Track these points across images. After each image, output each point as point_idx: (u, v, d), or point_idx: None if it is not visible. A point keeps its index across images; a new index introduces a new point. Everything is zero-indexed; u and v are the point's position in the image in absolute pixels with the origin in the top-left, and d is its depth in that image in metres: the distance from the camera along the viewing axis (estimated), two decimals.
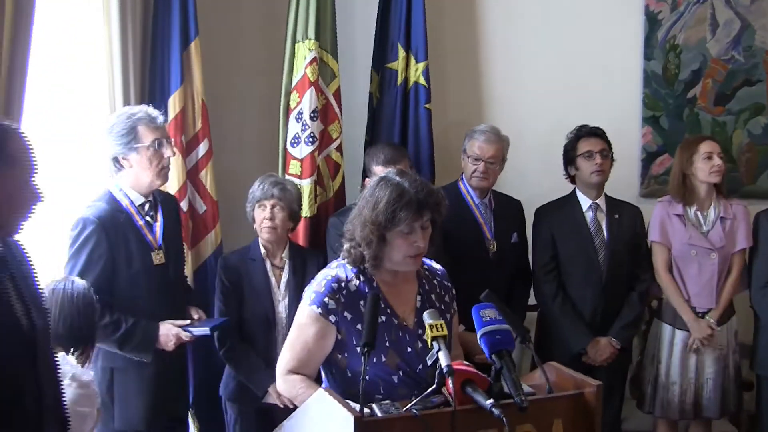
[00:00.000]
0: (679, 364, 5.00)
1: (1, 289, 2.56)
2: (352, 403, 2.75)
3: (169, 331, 4.14)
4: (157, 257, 4.20)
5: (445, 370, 2.75)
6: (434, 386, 2.82)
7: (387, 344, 3.12)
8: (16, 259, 2.68)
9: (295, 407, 3.15)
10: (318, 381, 3.23)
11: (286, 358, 3.24)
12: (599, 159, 4.95)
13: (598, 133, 5.02)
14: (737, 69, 5.85)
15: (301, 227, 5.09)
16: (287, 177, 5.11)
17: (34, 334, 2.63)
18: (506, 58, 5.78)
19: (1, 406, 2.50)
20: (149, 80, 4.96)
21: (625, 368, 5.20)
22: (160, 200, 4.33)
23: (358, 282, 3.20)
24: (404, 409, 2.80)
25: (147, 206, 4.22)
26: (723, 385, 5.01)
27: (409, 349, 3.17)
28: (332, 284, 3.17)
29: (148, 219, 4.23)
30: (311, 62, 5.15)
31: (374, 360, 3.04)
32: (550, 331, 5.09)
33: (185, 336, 4.15)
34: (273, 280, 4.58)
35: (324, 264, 3.46)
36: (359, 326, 3.12)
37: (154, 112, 4.19)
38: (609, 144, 5.03)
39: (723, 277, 5.01)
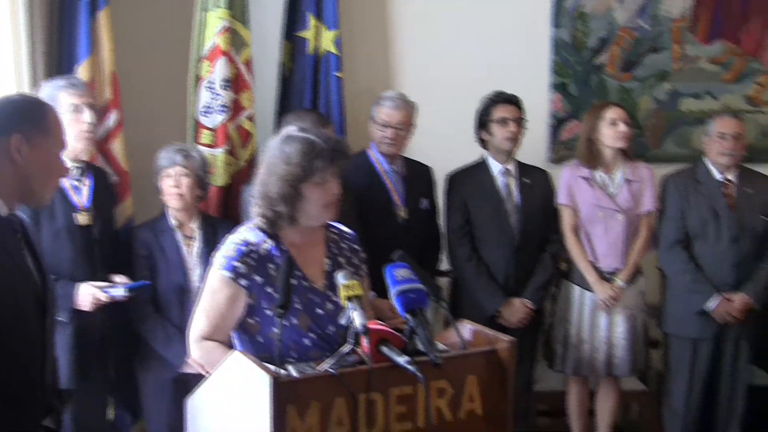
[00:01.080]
0: (588, 324, 5.11)
1: (16, 242, 2.77)
2: (267, 365, 2.77)
3: (87, 291, 4.13)
4: (82, 218, 4.24)
5: (360, 330, 2.78)
6: (350, 345, 2.85)
7: (298, 306, 3.13)
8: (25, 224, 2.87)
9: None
10: (232, 348, 3.22)
11: (198, 324, 3.23)
12: (513, 126, 5.01)
13: (513, 101, 5.08)
14: (644, 37, 5.95)
15: (214, 197, 5.07)
16: (199, 147, 5.07)
17: (45, 292, 2.82)
18: (417, 26, 5.78)
19: (16, 347, 2.66)
20: (57, 50, 4.87)
21: (538, 329, 5.28)
22: (94, 171, 4.44)
23: (267, 245, 3.20)
24: (320, 368, 2.82)
25: (75, 171, 4.29)
26: (632, 343, 5.12)
27: (319, 311, 3.19)
28: (242, 248, 3.17)
29: (75, 182, 4.29)
30: (223, 31, 5.10)
31: (286, 323, 3.05)
32: (464, 293, 5.14)
33: (103, 297, 4.13)
34: (185, 250, 4.55)
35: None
36: (269, 289, 3.13)
37: (77, 79, 4.29)
38: (523, 112, 5.09)
39: (630, 238, 5.11)
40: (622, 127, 5.03)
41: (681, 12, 5.96)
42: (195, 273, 4.51)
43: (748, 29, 6.03)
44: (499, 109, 5.04)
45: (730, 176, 5.17)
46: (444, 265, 5.30)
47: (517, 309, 5.03)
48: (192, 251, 4.55)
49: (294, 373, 2.82)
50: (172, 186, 4.51)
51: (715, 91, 6.05)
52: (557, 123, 5.93)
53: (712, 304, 5.03)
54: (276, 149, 3.18)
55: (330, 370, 2.77)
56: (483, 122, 5.09)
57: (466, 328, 3.17)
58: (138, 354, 4.60)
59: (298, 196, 3.13)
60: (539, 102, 5.79)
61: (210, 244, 4.47)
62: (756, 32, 6.04)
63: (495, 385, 3.04)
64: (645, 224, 5.16)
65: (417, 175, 5.12)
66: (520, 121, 5.05)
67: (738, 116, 5.31)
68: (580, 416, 5.34)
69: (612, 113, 5.06)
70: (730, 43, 6.03)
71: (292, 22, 5.46)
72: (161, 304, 4.51)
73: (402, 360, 2.75)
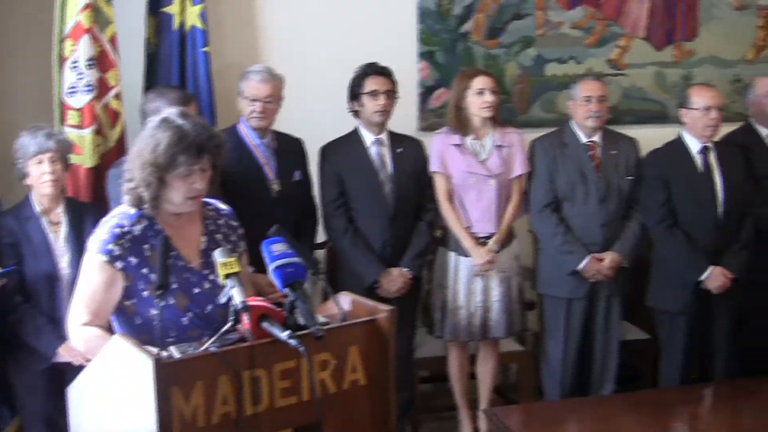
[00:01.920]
0: (465, 289, 5.18)
1: None
2: (149, 348, 2.74)
3: None
4: None
5: (240, 306, 2.78)
6: (230, 323, 2.84)
7: (174, 286, 3.10)
8: None
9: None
10: (112, 333, 3.18)
11: (76, 311, 3.16)
12: (383, 99, 5.03)
13: (385, 73, 5.08)
14: (508, 3, 6.02)
15: (84, 178, 4.97)
16: (66, 128, 4.96)
17: None
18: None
19: None
20: None
21: (417, 297, 5.33)
22: None
23: (141, 226, 3.16)
24: (202, 348, 2.81)
25: None
26: (508, 306, 5.22)
27: (197, 290, 3.17)
28: (116, 230, 3.12)
29: None
30: (85, 8, 4.96)
31: (163, 303, 3.02)
32: (342, 265, 5.16)
33: None
34: (51, 236, 4.42)
35: (104, 216, 3.38)
36: (145, 270, 3.10)
37: None
38: (395, 83, 5.11)
39: (503, 202, 5.19)
40: (488, 96, 5.09)
41: None
42: (63, 260, 4.40)
43: None
44: (370, 81, 5.05)
45: (595, 138, 5.29)
46: (321, 237, 5.30)
47: (396, 278, 5.06)
48: (59, 237, 4.44)
49: (176, 354, 2.80)
50: (48, 172, 4.37)
51: (579, 56, 6.18)
52: (426, 91, 5.97)
53: (583, 263, 5.17)
54: (148, 133, 3.14)
55: (212, 348, 2.76)
56: (355, 94, 5.09)
57: (345, 300, 3.20)
58: (7, 346, 4.47)
59: (162, 184, 3.10)
60: (407, 71, 5.79)
61: (77, 230, 4.39)
62: None
63: (376, 354, 3.08)
64: (516, 188, 5.25)
65: (288, 147, 5.09)
66: (390, 93, 5.07)
67: (601, 79, 5.44)
68: (462, 380, 5.42)
69: (478, 83, 5.11)
70: (591, 8, 6.15)
71: None
72: (30, 293, 4.39)
73: (284, 335, 2.76)
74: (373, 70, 5.07)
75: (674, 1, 6.30)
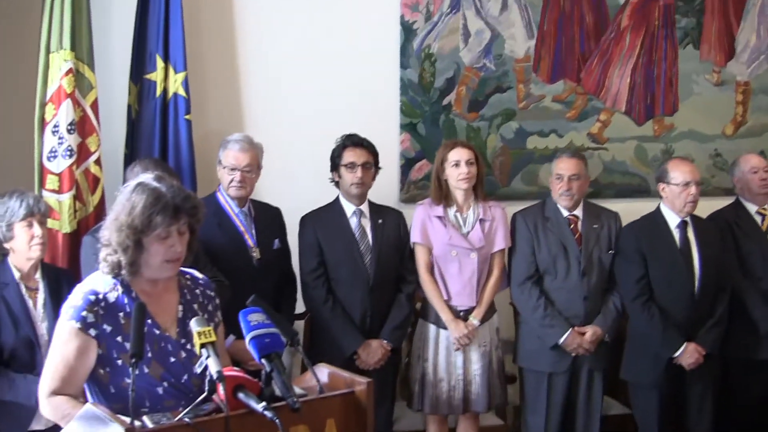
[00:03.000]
0: (445, 362, 5.14)
1: None
2: (122, 417, 2.69)
3: None
4: None
5: (215, 376, 2.73)
6: (205, 393, 2.79)
7: (149, 355, 3.05)
8: None
9: None
10: (85, 401, 3.11)
11: (47, 379, 3.08)
12: (360, 172, 5.03)
13: (363, 144, 5.09)
14: (489, 76, 6.06)
15: (61, 243, 4.94)
16: (44, 192, 4.94)
17: None
18: (267, 67, 5.76)
19: None
20: None
21: (396, 369, 5.30)
22: None
23: (116, 293, 3.11)
24: (176, 418, 2.75)
25: None
26: (488, 379, 5.18)
27: (173, 359, 3.12)
28: (90, 297, 3.07)
29: None
30: (67, 73, 4.99)
31: (137, 372, 2.96)
32: (322, 335, 5.12)
33: None
34: (30, 303, 4.35)
35: (79, 281, 3.33)
36: (119, 338, 3.04)
37: None
38: (375, 154, 5.12)
39: (483, 276, 5.19)
40: (464, 168, 5.10)
41: (524, 52, 6.10)
42: (43, 326, 4.32)
43: (588, 69, 6.22)
44: (347, 153, 5.06)
45: (577, 212, 5.30)
46: (300, 307, 5.26)
47: (375, 350, 5.03)
48: (37, 304, 4.37)
49: (149, 424, 2.74)
50: (38, 236, 4.30)
51: (560, 129, 6.21)
52: (407, 163, 5.97)
53: (564, 337, 5.14)
54: (124, 197, 3.11)
55: (186, 419, 2.71)
56: (335, 164, 5.10)
57: (323, 371, 3.15)
58: None
59: (139, 247, 3.06)
60: (389, 142, 5.81)
61: (55, 296, 4.32)
62: (595, 71, 6.23)
63: (354, 427, 3.03)
64: (497, 262, 5.25)
65: (267, 216, 5.08)
66: (368, 165, 5.07)
67: (578, 155, 5.43)
68: None
69: (454, 155, 5.14)
70: (572, 82, 6.20)
71: (140, 63, 5.36)
72: (8, 361, 4.30)
73: (259, 406, 2.71)
74: (351, 141, 5.08)
75: (654, 76, 6.36)
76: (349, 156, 5.05)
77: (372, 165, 5.10)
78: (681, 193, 5.19)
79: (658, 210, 5.34)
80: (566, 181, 5.22)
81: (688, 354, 5.13)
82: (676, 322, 5.17)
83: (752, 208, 5.59)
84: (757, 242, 5.51)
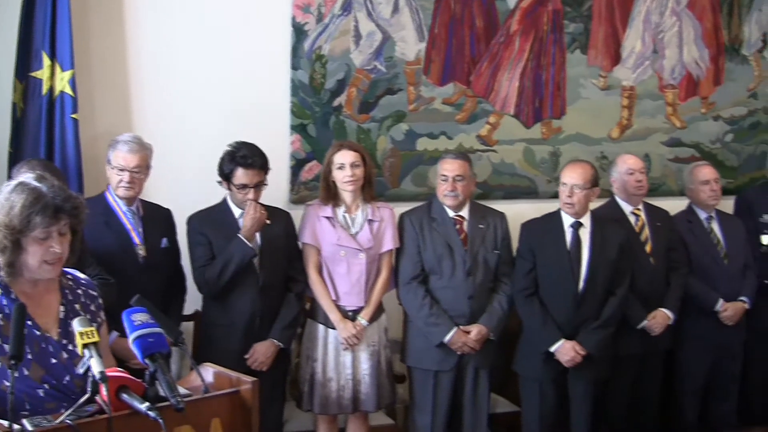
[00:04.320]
0: (334, 362, 5.17)
1: None
2: (0, 421, 2.65)
3: None
4: None
5: (98, 377, 2.71)
6: (88, 394, 2.76)
7: (30, 357, 2.99)
8: None
9: None
10: None
11: None
12: (252, 194, 4.99)
13: (256, 165, 4.99)
14: (380, 78, 6.10)
15: None
16: None
17: None
18: (158, 67, 5.68)
19: None
20: None
21: (286, 370, 5.31)
22: None
23: None
24: (57, 421, 2.72)
25: None
26: (378, 379, 5.23)
27: (54, 361, 3.07)
28: None
29: None
30: None
31: (17, 374, 2.92)
32: (212, 336, 5.10)
33: None
34: None
35: None
36: None
37: None
38: (267, 170, 5.07)
39: (372, 276, 5.24)
40: (348, 171, 5.13)
41: (415, 55, 6.15)
42: None
43: (478, 72, 6.30)
44: (240, 173, 4.96)
45: (462, 213, 5.37)
46: (189, 308, 5.23)
47: (266, 350, 5.02)
48: None
49: (29, 427, 2.69)
50: None
51: (449, 132, 6.27)
52: (297, 164, 5.96)
53: (449, 336, 5.20)
54: (3, 197, 3.06)
55: (67, 421, 2.68)
56: (224, 175, 5.04)
57: (208, 371, 3.15)
58: None
59: (18, 248, 3.01)
60: (279, 143, 5.80)
61: None
62: (485, 75, 6.32)
63: (240, 426, 3.04)
64: (386, 263, 5.29)
65: (156, 215, 5.03)
66: (260, 185, 5.03)
67: (463, 156, 5.50)
68: None
69: (339, 157, 5.16)
70: (462, 84, 6.28)
71: (25, 61, 5.25)
72: None
73: (142, 406, 2.70)
74: (244, 162, 4.97)
75: (542, 80, 6.48)
76: (242, 178, 4.96)
77: (263, 182, 5.06)
78: (562, 193, 5.38)
79: (557, 210, 5.45)
80: (451, 182, 5.29)
81: (564, 351, 5.25)
82: (557, 319, 5.29)
83: (627, 207, 5.76)
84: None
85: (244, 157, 4.98)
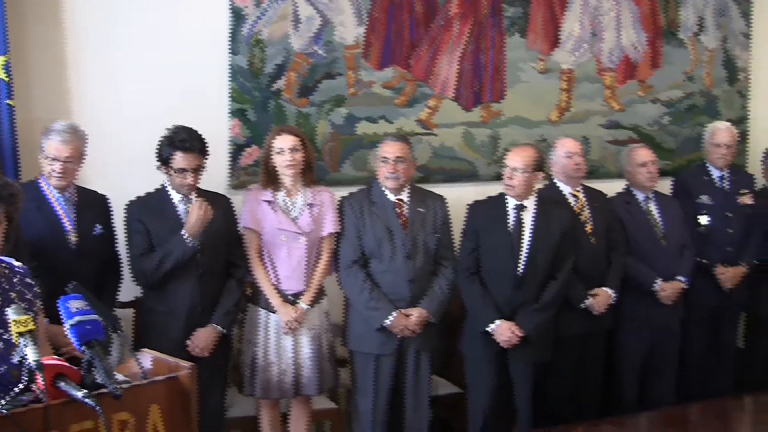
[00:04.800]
0: (275, 346, 5.17)
1: None
2: None
3: None
4: None
5: (34, 366, 2.69)
6: (24, 383, 2.75)
7: None
8: None
9: None
10: None
11: None
12: (191, 178, 4.97)
13: (195, 149, 4.97)
14: (319, 63, 6.08)
15: None
16: None
17: None
18: (95, 53, 5.59)
19: None
20: None
21: (227, 355, 5.30)
22: None
23: None
24: None
25: None
26: (319, 363, 5.23)
27: None
28: None
29: None
30: None
31: None
32: (153, 324, 5.08)
33: None
34: None
35: None
36: None
37: None
38: (206, 155, 5.04)
39: (312, 260, 5.24)
40: (287, 155, 5.13)
41: (354, 39, 6.14)
42: None
43: (418, 56, 6.31)
44: (178, 157, 4.93)
45: (402, 196, 5.39)
46: (128, 295, 5.21)
47: (207, 336, 5.01)
48: None
49: None
50: None
51: (389, 116, 6.26)
52: (237, 149, 5.91)
53: (390, 319, 5.23)
54: None
55: (2, 410, 2.66)
56: (163, 160, 5.00)
57: (147, 357, 3.15)
58: None
59: None
60: (219, 128, 5.75)
61: None
62: (424, 59, 6.33)
63: (179, 412, 3.04)
64: (326, 247, 5.30)
65: (90, 201, 4.98)
66: (199, 169, 4.99)
67: (403, 139, 5.54)
68: None
69: (278, 142, 5.16)
70: (401, 68, 6.28)
71: None
72: None
73: (80, 394, 2.69)
74: (182, 146, 4.94)
75: (482, 64, 6.51)
76: (180, 162, 4.93)
77: (202, 166, 5.04)
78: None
79: (503, 193, 5.49)
80: (392, 164, 5.31)
81: (501, 331, 5.30)
82: (496, 300, 5.34)
83: (566, 189, 5.81)
84: None
85: (183, 141, 4.96)
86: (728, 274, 6.26)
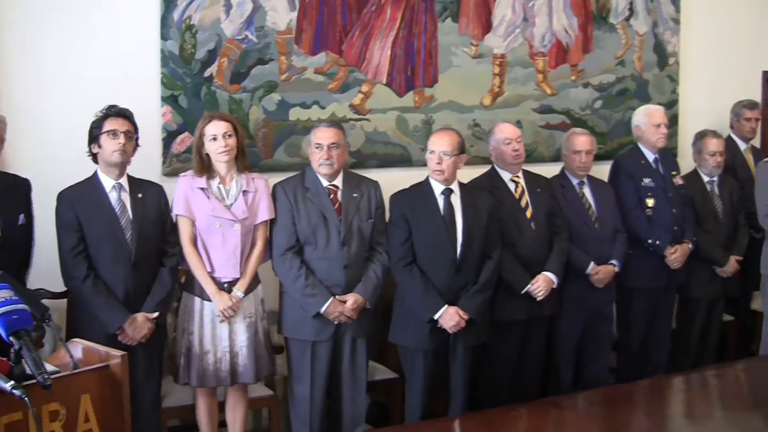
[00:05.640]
0: (210, 334, 5.13)
1: None
2: None
3: None
4: None
5: None
6: None
7: None
8: None
9: None
10: None
11: None
12: (123, 139, 4.92)
13: (124, 115, 4.98)
14: (251, 48, 6.03)
15: None
16: None
17: None
18: (23, 38, 5.47)
19: None
20: None
21: (162, 344, 5.25)
22: None
23: None
24: None
25: None
26: (255, 350, 5.20)
27: None
28: None
29: None
30: None
31: None
32: (85, 313, 4.99)
33: None
34: None
35: None
36: None
37: None
38: (135, 127, 5.02)
39: (247, 248, 5.21)
40: (221, 142, 5.10)
41: (286, 24, 6.11)
42: None
43: (350, 41, 6.30)
44: (108, 122, 4.93)
45: (336, 182, 5.38)
46: (61, 285, 5.13)
47: (141, 324, 4.95)
48: None
49: None
50: None
51: (322, 101, 6.24)
52: (169, 136, 5.84)
53: (325, 306, 5.22)
54: None
55: None
56: (94, 136, 4.96)
57: (77, 347, 3.11)
58: None
59: None
60: (150, 115, 5.65)
61: None
62: (356, 44, 6.32)
63: (110, 402, 3.01)
64: (261, 234, 5.27)
65: (12, 189, 4.92)
66: (130, 135, 4.97)
67: (336, 124, 5.53)
68: (211, 428, 5.33)
69: (210, 128, 5.13)
70: (334, 54, 6.26)
71: None
72: None
73: (7, 385, 2.64)
74: (113, 112, 4.96)
75: (414, 49, 6.51)
76: (111, 124, 4.91)
77: (133, 136, 5.00)
78: (430, 161, 5.45)
79: (426, 179, 5.49)
80: (326, 150, 5.29)
81: (448, 316, 5.31)
82: (438, 286, 5.34)
83: (506, 175, 5.84)
84: (510, 209, 5.75)
85: (112, 107, 4.98)
86: (677, 254, 6.34)
